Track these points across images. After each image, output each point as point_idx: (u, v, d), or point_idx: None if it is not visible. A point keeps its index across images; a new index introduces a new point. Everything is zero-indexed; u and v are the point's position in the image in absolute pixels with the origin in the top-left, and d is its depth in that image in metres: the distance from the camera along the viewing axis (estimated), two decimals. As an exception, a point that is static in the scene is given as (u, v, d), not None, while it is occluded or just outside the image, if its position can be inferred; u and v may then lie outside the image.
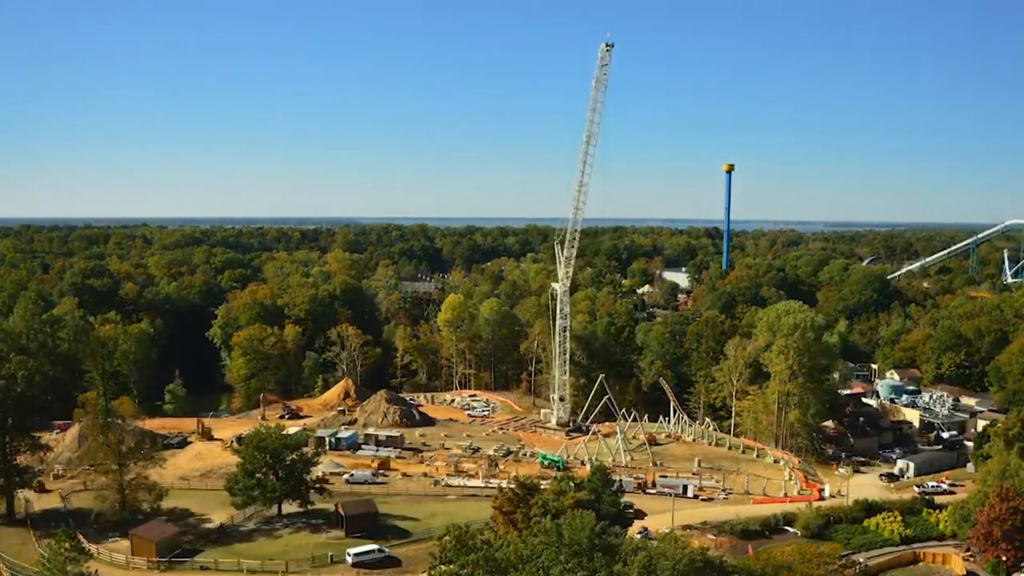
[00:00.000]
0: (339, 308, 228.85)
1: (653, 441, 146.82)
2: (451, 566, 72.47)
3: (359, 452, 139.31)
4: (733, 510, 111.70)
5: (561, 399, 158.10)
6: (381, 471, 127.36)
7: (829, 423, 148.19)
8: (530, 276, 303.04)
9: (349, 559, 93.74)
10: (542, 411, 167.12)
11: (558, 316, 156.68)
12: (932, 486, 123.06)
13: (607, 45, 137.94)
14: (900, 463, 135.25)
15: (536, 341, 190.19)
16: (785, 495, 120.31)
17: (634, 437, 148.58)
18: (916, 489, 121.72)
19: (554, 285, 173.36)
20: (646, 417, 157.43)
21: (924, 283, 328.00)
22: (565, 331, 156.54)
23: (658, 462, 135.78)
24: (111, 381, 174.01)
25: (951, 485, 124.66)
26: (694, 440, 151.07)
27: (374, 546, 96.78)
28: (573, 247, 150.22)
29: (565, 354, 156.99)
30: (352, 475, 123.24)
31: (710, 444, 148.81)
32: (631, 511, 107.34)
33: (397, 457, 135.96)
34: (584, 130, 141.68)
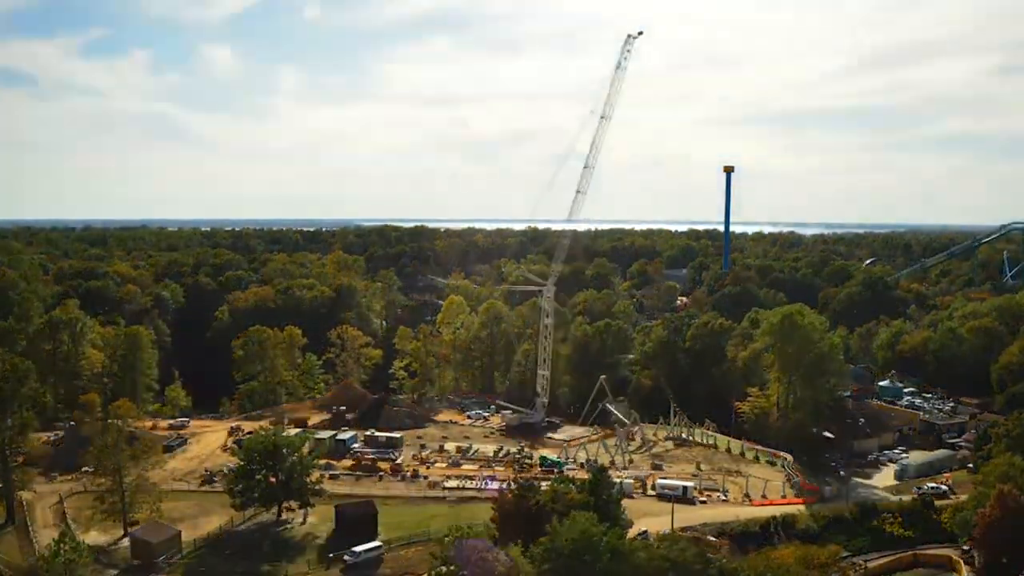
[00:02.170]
0: (339, 309, 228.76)
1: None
2: (452, 567, 72.60)
3: (359, 454, 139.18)
4: (732, 512, 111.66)
5: (536, 394, 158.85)
6: (361, 472, 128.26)
7: (829, 424, 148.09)
8: (530, 278, 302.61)
9: (348, 559, 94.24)
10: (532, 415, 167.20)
11: (542, 315, 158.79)
12: (932, 488, 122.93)
13: (639, 32, 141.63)
14: (900, 465, 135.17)
15: (536, 343, 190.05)
16: (784, 497, 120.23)
17: (631, 439, 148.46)
18: (916, 491, 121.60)
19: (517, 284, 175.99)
20: (646, 419, 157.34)
21: (924, 285, 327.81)
22: (547, 328, 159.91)
23: (657, 464, 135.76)
24: (111, 383, 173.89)
25: (951, 487, 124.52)
26: (693, 441, 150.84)
27: (377, 543, 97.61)
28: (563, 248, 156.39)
29: (547, 351, 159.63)
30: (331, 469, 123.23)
31: (709, 446, 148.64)
32: (630, 513, 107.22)
33: (398, 459, 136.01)
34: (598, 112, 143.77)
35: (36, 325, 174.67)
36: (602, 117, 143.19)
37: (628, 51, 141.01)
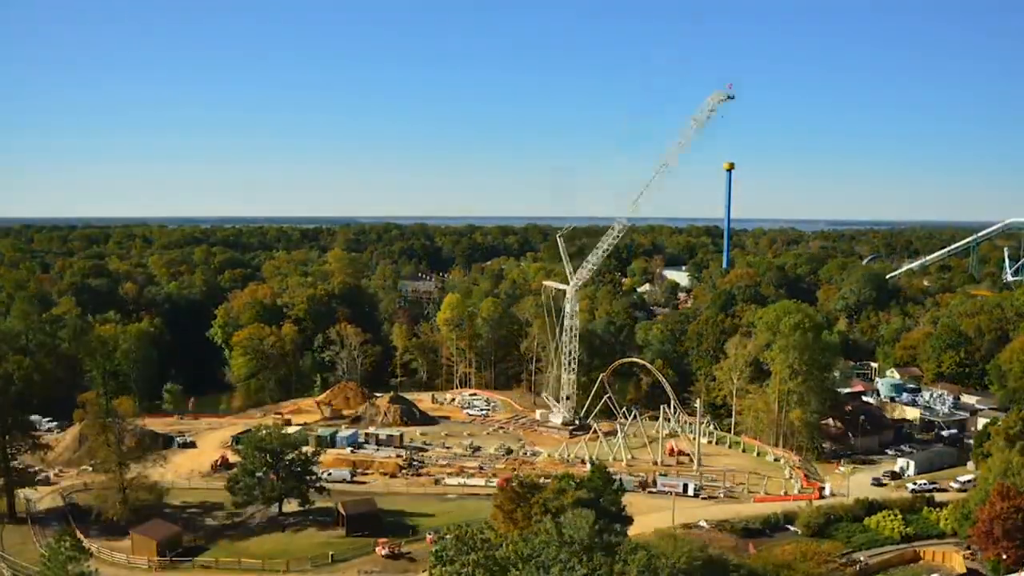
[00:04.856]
0: (338, 307, 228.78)
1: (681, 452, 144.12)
2: (452, 565, 72.45)
3: (360, 451, 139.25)
4: (734, 509, 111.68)
5: (567, 398, 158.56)
6: (360, 471, 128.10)
7: (830, 421, 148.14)
8: (530, 275, 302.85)
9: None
10: (538, 411, 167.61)
11: (566, 315, 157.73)
12: (932, 485, 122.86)
13: (727, 96, 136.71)
14: (900, 461, 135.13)
15: (536, 340, 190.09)
16: (786, 493, 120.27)
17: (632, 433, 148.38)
18: (916, 487, 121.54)
19: (547, 283, 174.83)
20: (647, 416, 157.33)
21: (924, 281, 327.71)
22: (572, 330, 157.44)
23: (659, 461, 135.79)
24: (111, 381, 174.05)
25: (952, 483, 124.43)
26: (694, 438, 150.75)
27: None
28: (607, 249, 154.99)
29: (572, 353, 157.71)
30: (330, 473, 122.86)
31: (710, 442, 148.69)
32: (631, 509, 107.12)
33: (397, 456, 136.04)
34: (660, 161, 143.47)
35: (36, 324, 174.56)
36: (663, 166, 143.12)
37: (712, 112, 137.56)
